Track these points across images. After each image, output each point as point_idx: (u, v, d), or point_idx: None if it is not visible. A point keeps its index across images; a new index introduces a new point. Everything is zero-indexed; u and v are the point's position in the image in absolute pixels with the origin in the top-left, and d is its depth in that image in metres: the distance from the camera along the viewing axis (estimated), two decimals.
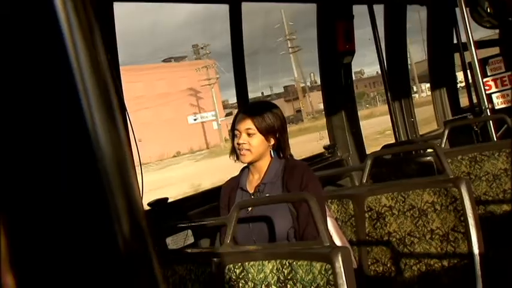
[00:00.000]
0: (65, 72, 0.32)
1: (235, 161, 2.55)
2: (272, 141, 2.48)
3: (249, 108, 2.64)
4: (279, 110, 2.55)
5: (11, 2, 0.31)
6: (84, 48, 0.32)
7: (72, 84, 0.32)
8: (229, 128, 2.69)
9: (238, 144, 2.45)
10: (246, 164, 2.54)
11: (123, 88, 2.67)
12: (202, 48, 44.16)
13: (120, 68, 2.83)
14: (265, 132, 2.45)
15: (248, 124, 2.45)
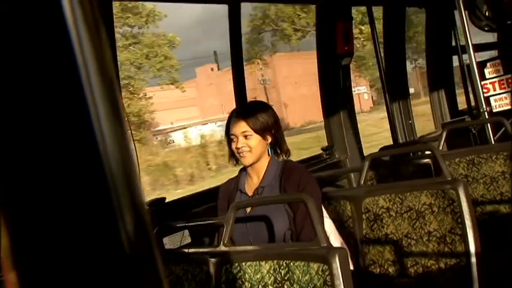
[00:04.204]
0: (71, 69, 0.32)
1: (234, 165, 2.55)
2: (269, 139, 2.48)
3: (241, 110, 2.57)
4: (271, 108, 2.56)
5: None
6: (90, 45, 0.32)
7: (78, 81, 0.32)
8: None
9: (237, 148, 2.44)
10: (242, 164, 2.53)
11: (121, 85, 2.68)
12: None
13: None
14: (261, 132, 2.44)
15: (243, 127, 2.43)
